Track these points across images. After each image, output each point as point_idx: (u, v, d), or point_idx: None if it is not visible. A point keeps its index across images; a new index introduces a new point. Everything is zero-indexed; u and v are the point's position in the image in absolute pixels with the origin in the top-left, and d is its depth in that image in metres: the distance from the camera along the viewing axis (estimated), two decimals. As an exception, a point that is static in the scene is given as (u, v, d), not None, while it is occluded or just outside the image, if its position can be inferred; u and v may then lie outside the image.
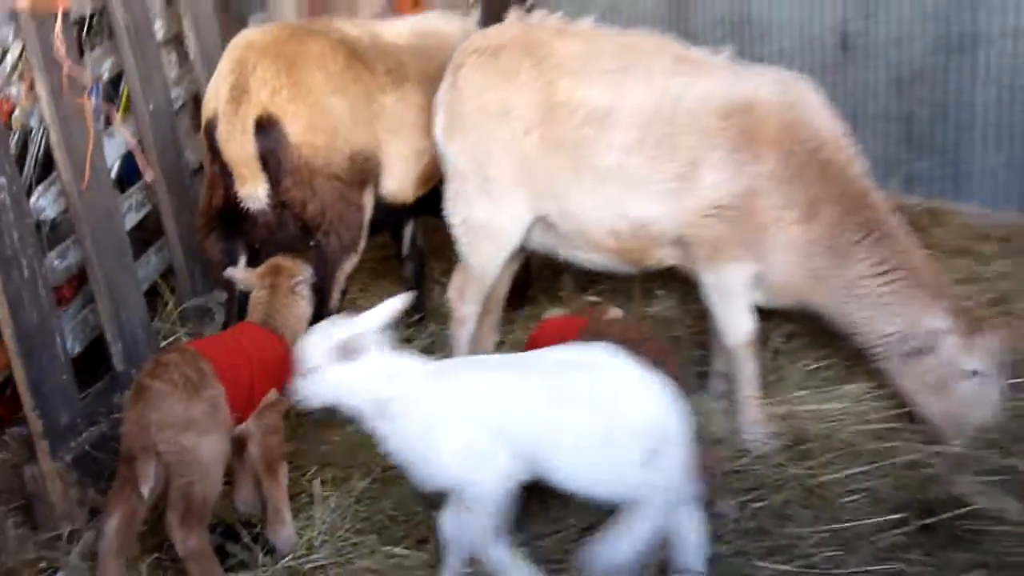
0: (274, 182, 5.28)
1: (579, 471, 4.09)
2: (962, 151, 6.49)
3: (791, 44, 7.02)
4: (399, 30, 5.89)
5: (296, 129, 5.23)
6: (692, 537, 4.22)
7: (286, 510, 4.68)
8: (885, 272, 4.97)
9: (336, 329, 4.25)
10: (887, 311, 4.97)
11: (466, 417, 4.16)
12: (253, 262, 5.42)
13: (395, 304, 4.32)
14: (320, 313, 5.47)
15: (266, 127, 5.21)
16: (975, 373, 4.88)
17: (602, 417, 4.03)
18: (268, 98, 5.21)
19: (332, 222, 5.35)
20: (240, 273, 5.11)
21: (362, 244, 5.54)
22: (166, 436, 4.18)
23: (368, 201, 5.53)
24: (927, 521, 4.47)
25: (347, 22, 5.92)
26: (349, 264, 5.53)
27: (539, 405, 4.10)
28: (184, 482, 4.22)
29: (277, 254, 5.14)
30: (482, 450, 4.12)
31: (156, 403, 4.19)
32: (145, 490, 4.20)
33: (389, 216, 5.86)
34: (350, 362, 4.18)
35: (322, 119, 5.27)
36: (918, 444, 4.91)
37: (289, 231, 5.43)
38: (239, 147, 5.24)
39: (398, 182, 5.70)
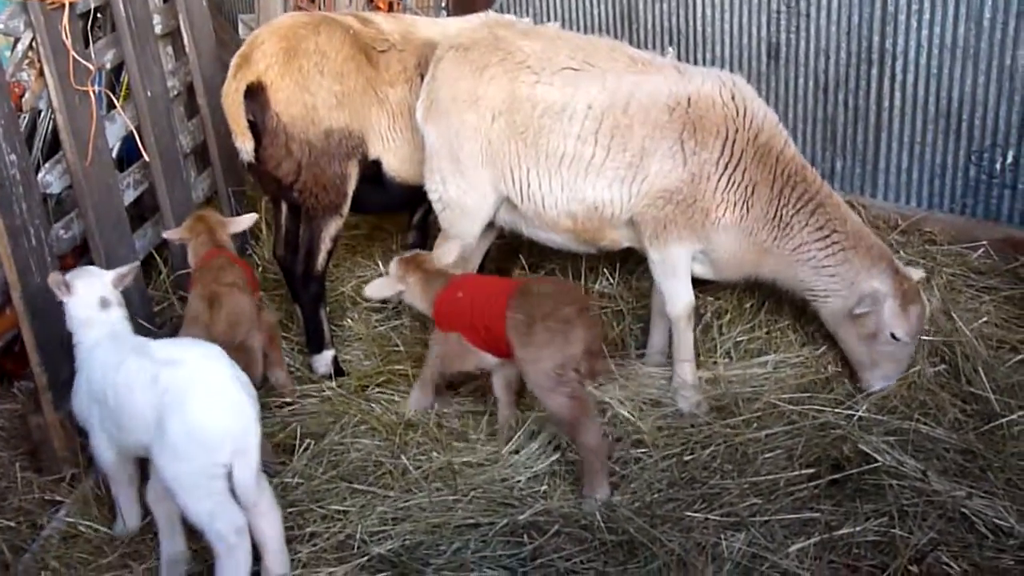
0: (258, 141, 5.53)
1: (166, 469, 4.04)
2: (876, 152, 6.59)
3: (727, 52, 7.09)
4: (443, 29, 5.89)
5: (278, 98, 5.47)
6: (272, 544, 4.17)
7: None
8: (825, 237, 5.06)
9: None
10: (828, 271, 5.07)
11: (85, 381, 4.41)
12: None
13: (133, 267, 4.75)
14: (309, 271, 5.73)
15: (255, 92, 5.47)
16: (895, 338, 5.00)
17: (172, 421, 3.98)
18: (263, 69, 5.47)
19: (306, 183, 5.58)
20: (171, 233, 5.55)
21: (344, 209, 5.68)
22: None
23: (351, 171, 5.65)
24: (836, 476, 4.56)
25: (388, 17, 6.07)
26: (333, 226, 5.70)
27: (135, 392, 4.13)
28: None
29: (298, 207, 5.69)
30: (90, 413, 4.39)
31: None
32: None
33: (405, 193, 5.91)
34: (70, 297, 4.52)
35: (303, 95, 5.48)
36: (830, 408, 4.99)
37: (272, 185, 5.72)
38: (232, 104, 5.49)
39: (401, 162, 5.79)
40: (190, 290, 5.24)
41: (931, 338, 5.28)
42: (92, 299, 4.55)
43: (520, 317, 4.63)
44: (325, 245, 5.72)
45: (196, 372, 4.07)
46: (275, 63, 5.48)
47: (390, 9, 8.17)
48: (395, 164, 5.78)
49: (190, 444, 3.95)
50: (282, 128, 5.50)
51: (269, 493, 4.19)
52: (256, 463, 4.01)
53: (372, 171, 5.75)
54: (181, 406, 3.97)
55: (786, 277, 5.22)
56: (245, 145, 5.51)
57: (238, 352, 4.75)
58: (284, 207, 5.91)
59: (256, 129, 5.52)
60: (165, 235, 5.69)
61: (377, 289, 5.33)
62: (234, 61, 5.61)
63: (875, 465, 4.54)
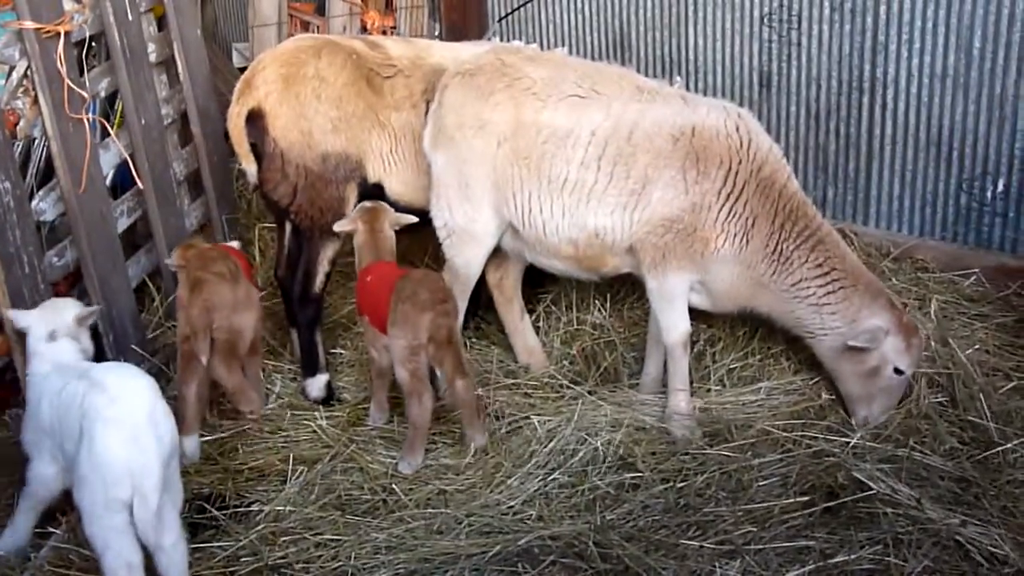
0: (259, 164, 5.70)
1: (75, 492, 4.11)
2: (867, 180, 6.62)
3: (719, 81, 7.12)
4: (454, 55, 5.87)
5: (276, 124, 5.59)
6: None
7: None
8: (825, 274, 5.06)
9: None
10: (828, 309, 5.06)
11: (33, 413, 4.49)
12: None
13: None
14: (306, 292, 5.80)
15: (255, 117, 5.61)
16: (900, 372, 5.01)
17: (82, 446, 4.02)
18: (262, 95, 5.60)
19: (302, 205, 5.67)
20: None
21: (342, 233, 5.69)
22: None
23: (349, 195, 5.70)
24: (831, 503, 4.54)
25: (400, 42, 6.11)
26: (331, 248, 5.76)
27: (70, 413, 4.16)
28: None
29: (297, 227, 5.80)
30: (37, 440, 4.47)
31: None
32: (204, 359, 5.12)
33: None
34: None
35: (299, 120, 5.58)
36: (823, 436, 4.99)
37: (274, 207, 5.84)
38: (235, 129, 5.69)
39: (404, 186, 5.80)
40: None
41: (927, 369, 5.27)
42: (41, 332, 4.62)
43: (393, 300, 5.05)
44: (323, 267, 5.78)
45: (112, 402, 4.03)
46: (274, 89, 5.58)
47: (383, 34, 8.21)
48: (398, 188, 5.80)
49: (92, 473, 3.97)
50: (279, 153, 5.61)
51: (175, 531, 4.14)
52: (154, 504, 3.95)
53: (375, 195, 5.76)
54: (91, 434, 3.99)
55: (782, 313, 5.21)
56: (248, 168, 5.72)
57: (222, 333, 5.19)
58: (288, 228, 5.96)
59: (258, 153, 5.67)
60: (167, 262, 5.73)
61: (339, 224, 5.53)
62: (238, 86, 5.75)
63: (869, 493, 4.52)
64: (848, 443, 4.88)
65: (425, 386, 5.03)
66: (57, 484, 4.48)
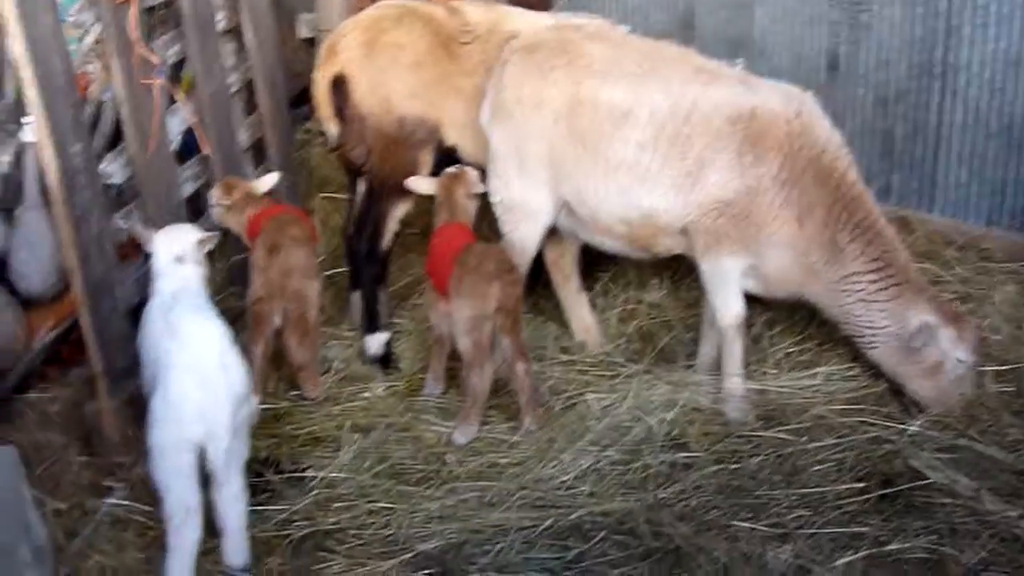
0: (342, 127, 5.87)
1: (147, 430, 4.31)
2: (934, 166, 6.52)
3: (785, 63, 7.04)
4: (534, 22, 5.92)
5: (357, 89, 5.77)
6: (231, 533, 4.34)
7: None
8: (877, 270, 4.99)
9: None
10: (878, 306, 5.00)
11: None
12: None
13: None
14: (374, 249, 5.94)
15: (338, 83, 5.80)
16: (961, 361, 4.94)
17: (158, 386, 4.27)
18: (345, 61, 5.80)
19: (379, 166, 5.81)
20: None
21: (412, 193, 5.80)
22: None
23: (424, 159, 5.85)
24: (887, 491, 4.53)
25: (480, 7, 6.11)
26: (401, 208, 5.92)
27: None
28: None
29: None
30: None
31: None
32: (278, 321, 5.29)
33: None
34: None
35: (379, 87, 5.75)
36: (881, 421, 4.94)
37: (349, 164, 6.00)
38: (320, 92, 5.91)
39: (475, 148, 5.82)
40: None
41: (991, 359, 5.22)
42: (167, 255, 4.84)
43: (456, 271, 5.09)
44: (392, 226, 5.93)
45: (184, 348, 4.26)
46: (355, 56, 5.78)
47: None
48: (469, 150, 5.85)
49: (166, 413, 4.19)
50: (359, 117, 5.79)
51: (239, 483, 4.34)
52: (225, 444, 4.17)
53: (450, 159, 5.87)
54: (165, 377, 4.22)
55: (830, 305, 5.15)
56: (331, 130, 5.93)
57: (292, 300, 5.30)
58: (361, 187, 6.10)
59: (341, 116, 5.86)
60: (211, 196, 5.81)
61: (417, 183, 5.62)
62: (322, 51, 5.99)
63: (926, 482, 4.50)
64: (906, 431, 4.83)
65: (487, 356, 5.04)
66: None
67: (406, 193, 5.76)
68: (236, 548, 4.37)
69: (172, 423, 4.17)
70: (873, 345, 5.09)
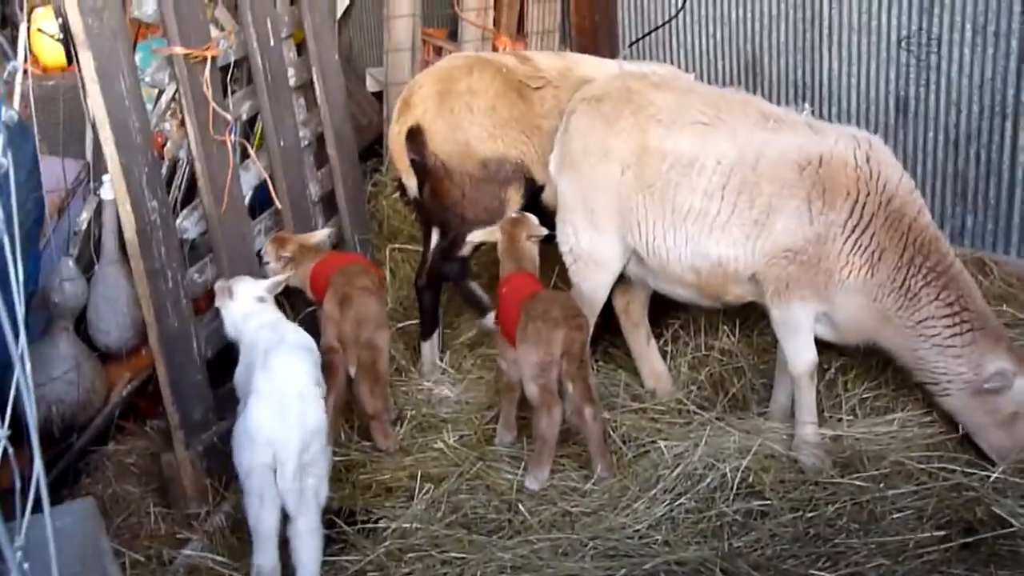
0: (420, 178, 6.03)
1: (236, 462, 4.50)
2: (1009, 207, 6.42)
3: (853, 107, 7.01)
4: (604, 69, 6.09)
5: (434, 139, 5.94)
6: (303, 570, 4.40)
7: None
8: (953, 315, 4.89)
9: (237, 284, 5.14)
10: (953, 352, 4.89)
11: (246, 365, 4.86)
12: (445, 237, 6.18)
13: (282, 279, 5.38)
14: (450, 253, 6.18)
15: (414, 135, 5.96)
16: None
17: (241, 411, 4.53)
18: (420, 113, 5.96)
19: (471, 204, 5.96)
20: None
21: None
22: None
23: (512, 195, 5.98)
24: (969, 539, 4.40)
25: (550, 55, 6.43)
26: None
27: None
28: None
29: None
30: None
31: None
32: (352, 372, 5.37)
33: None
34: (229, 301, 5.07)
35: (455, 132, 5.90)
36: (961, 468, 4.83)
37: (440, 213, 6.12)
38: (396, 145, 6.08)
39: (553, 191, 5.89)
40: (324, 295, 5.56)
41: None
42: (249, 298, 5.08)
43: (523, 318, 5.09)
44: (467, 249, 6.08)
45: (268, 379, 4.48)
46: (430, 106, 5.94)
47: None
48: (549, 192, 5.91)
49: (242, 437, 4.41)
50: (441, 164, 5.95)
51: (314, 517, 4.43)
52: (290, 472, 4.29)
53: (531, 198, 6.01)
54: (247, 403, 4.48)
55: (904, 351, 5.05)
56: (409, 182, 6.09)
57: (364, 349, 5.36)
58: (435, 238, 6.23)
59: (419, 167, 6.00)
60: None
61: (476, 235, 5.75)
62: (397, 105, 6.14)
63: (1011, 530, 4.36)
64: (988, 477, 4.70)
65: (555, 399, 5.03)
66: None
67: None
68: None
69: (247, 446, 4.37)
70: (947, 392, 4.98)
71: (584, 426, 5.08)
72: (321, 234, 6.02)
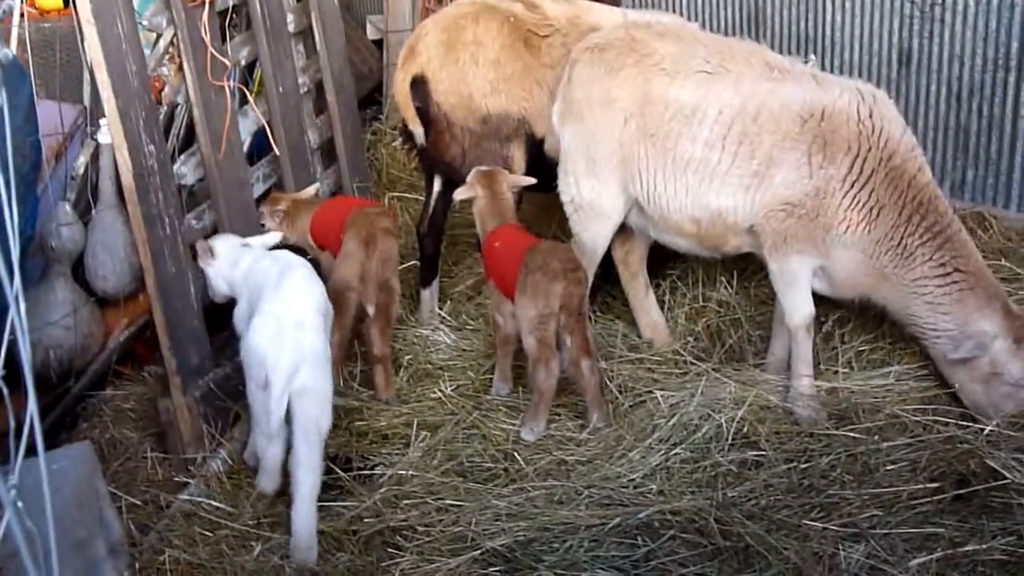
0: (426, 127, 5.97)
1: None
2: (1010, 162, 6.38)
3: (856, 58, 6.94)
4: (612, 17, 6.02)
5: (438, 88, 5.91)
6: (300, 502, 4.46)
7: None
8: (945, 275, 4.88)
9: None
10: (942, 309, 4.89)
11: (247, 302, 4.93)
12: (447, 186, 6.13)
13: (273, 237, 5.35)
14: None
15: (418, 84, 5.93)
16: (1013, 376, 4.80)
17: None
18: (425, 61, 5.92)
19: (473, 162, 5.86)
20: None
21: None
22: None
23: (515, 152, 5.97)
24: (962, 491, 4.42)
25: (560, 1, 6.19)
26: None
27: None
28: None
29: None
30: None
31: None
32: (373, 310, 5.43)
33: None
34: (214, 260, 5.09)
35: (459, 84, 5.86)
36: (955, 421, 4.84)
37: (442, 165, 6.11)
38: (401, 94, 6.02)
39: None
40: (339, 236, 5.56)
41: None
42: (233, 250, 5.10)
43: (522, 270, 5.06)
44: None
45: (274, 300, 4.62)
46: (435, 55, 5.90)
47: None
48: (554, 144, 5.85)
49: (244, 353, 4.61)
50: (443, 116, 5.93)
51: (315, 451, 4.52)
52: (276, 394, 4.42)
53: (534, 153, 5.98)
54: (251, 320, 4.61)
55: (897, 307, 5.06)
56: (416, 130, 5.99)
57: (382, 290, 5.41)
58: (436, 186, 6.23)
59: (423, 115, 5.95)
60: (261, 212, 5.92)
61: (460, 192, 5.57)
62: (402, 52, 6.09)
63: (1004, 482, 4.37)
64: (982, 430, 4.71)
65: (553, 353, 5.02)
66: None
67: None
68: (300, 518, 4.46)
69: (248, 364, 4.57)
70: (934, 345, 4.99)
71: (581, 378, 5.08)
72: (311, 190, 6.00)
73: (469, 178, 5.54)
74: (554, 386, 5.08)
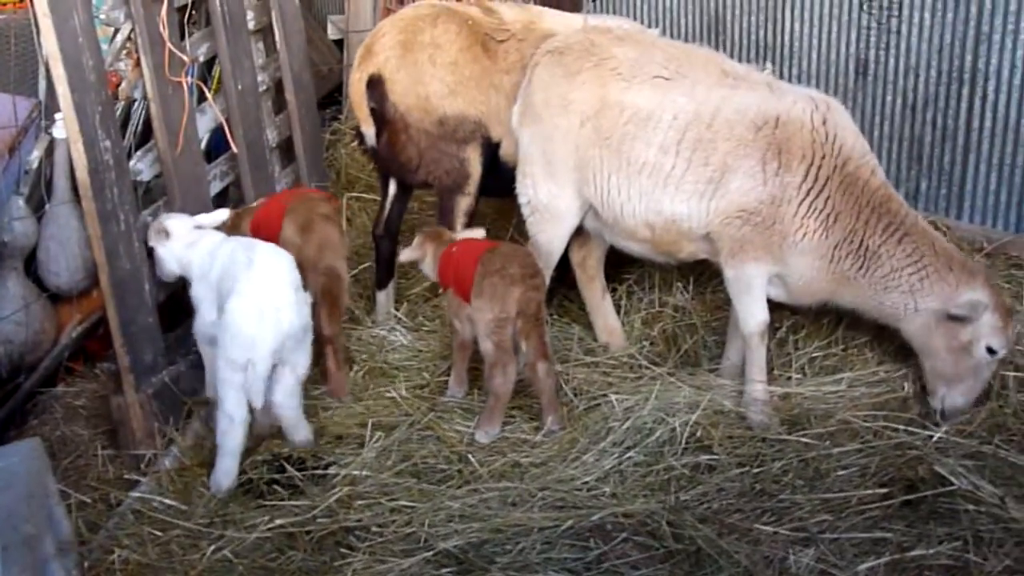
0: (379, 127, 5.92)
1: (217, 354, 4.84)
2: (963, 173, 6.47)
3: (814, 68, 7.01)
4: (567, 23, 6.02)
5: (395, 89, 5.86)
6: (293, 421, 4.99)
7: None
8: (917, 261, 4.94)
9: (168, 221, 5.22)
10: (922, 293, 4.94)
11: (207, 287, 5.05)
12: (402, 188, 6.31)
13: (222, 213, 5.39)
14: None
15: (375, 83, 5.88)
16: (992, 352, 4.89)
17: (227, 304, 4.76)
18: (382, 61, 5.88)
19: (428, 164, 5.92)
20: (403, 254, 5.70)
21: (469, 188, 5.98)
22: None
23: (472, 155, 5.94)
24: (910, 497, 4.47)
25: (515, 7, 6.26)
26: (464, 202, 6.02)
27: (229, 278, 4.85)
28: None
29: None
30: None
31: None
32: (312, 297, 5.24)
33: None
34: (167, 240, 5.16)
35: (416, 86, 5.82)
36: (905, 427, 4.90)
37: (396, 167, 6.10)
38: (356, 93, 5.97)
39: (514, 147, 5.85)
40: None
41: (1018, 365, 5.15)
42: (187, 230, 5.17)
43: (479, 272, 5.08)
44: (460, 220, 6.01)
45: (251, 280, 4.75)
46: (392, 56, 5.89)
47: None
48: (509, 148, 5.88)
49: (223, 334, 4.73)
50: (400, 117, 5.89)
51: (290, 388, 4.95)
52: (261, 372, 4.69)
53: (490, 156, 5.97)
54: (228, 302, 4.74)
55: (869, 306, 5.11)
56: (368, 131, 5.97)
57: (324, 275, 5.40)
58: (392, 188, 6.26)
59: (378, 116, 5.91)
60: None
61: (405, 255, 5.60)
62: (359, 52, 6.04)
63: (951, 488, 4.43)
64: (931, 437, 4.78)
65: (510, 357, 5.04)
66: None
67: (462, 190, 5.91)
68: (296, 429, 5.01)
69: (226, 344, 4.71)
70: (912, 320, 5.01)
71: (537, 381, 5.09)
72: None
73: (416, 240, 5.55)
74: (510, 390, 5.09)
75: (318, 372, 5.51)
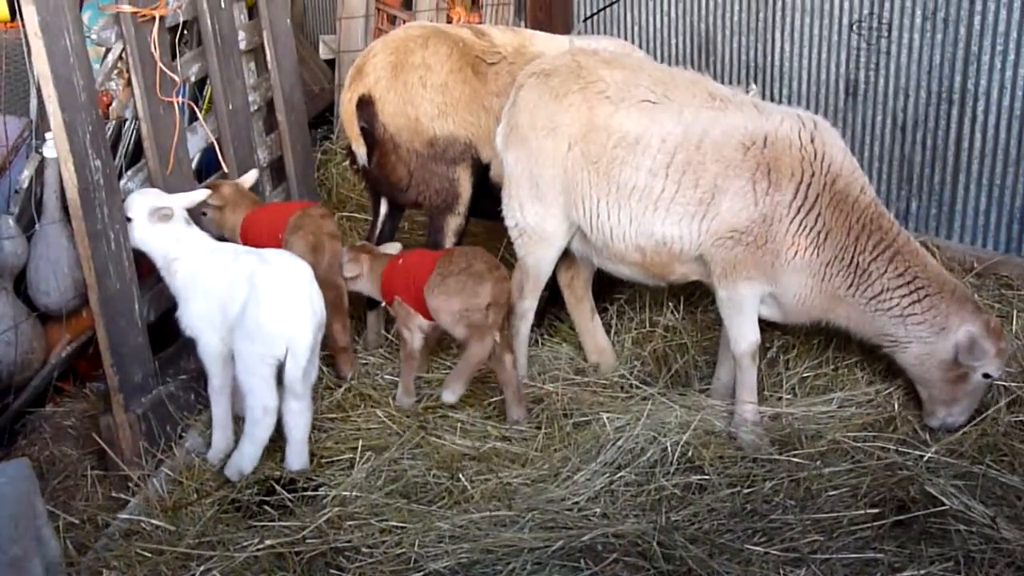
0: (370, 147, 5.97)
1: (235, 344, 4.98)
2: (953, 193, 6.50)
3: (804, 89, 7.06)
4: (559, 46, 6.08)
5: (385, 110, 5.90)
6: (294, 441, 5.02)
7: None
8: (907, 283, 4.97)
9: (155, 197, 5.23)
10: (914, 319, 4.97)
11: (204, 288, 5.10)
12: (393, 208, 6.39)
13: (201, 193, 5.47)
14: None
15: (365, 104, 5.91)
16: (987, 376, 4.94)
17: (250, 309, 4.89)
18: (372, 82, 5.92)
19: (418, 184, 5.97)
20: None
21: (459, 208, 6.04)
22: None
23: (462, 175, 5.99)
24: (901, 517, 4.47)
25: (506, 30, 6.33)
26: (454, 222, 6.07)
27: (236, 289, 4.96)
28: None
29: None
30: (207, 315, 5.08)
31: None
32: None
33: None
34: (157, 224, 5.16)
35: (407, 107, 5.87)
36: (896, 448, 4.91)
37: (387, 187, 6.16)
38: (346, 113, 6.00)
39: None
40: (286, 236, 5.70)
41: (1010, 384, 5.18)
42: (148, 212, 5.17)
43: (437, 274, 5.29)
44: (448, 240, 6.06)
45: (277, 279, 4.92)
46: (383, 76, 5.90)
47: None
48: (496, 167, 5.91)
49: (257, 331, 4.86)
50: (390, 137, 5.93)
51: (308, 400, 5.04)
52: (303, 362, 4.87)
53: (480, 177, 6.02)
54: (258, 300, 4.86)
55: (862, 325, 5.12)
56: (358, 150, 6.01)
57: (331, 289, 5.51)
58: (383, 208, 6.32)
59: (368, 136, 5.96)
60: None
61: (348, 270, 5.69)
62: (350, 72, 6.08)
63: (942, 508, 4.44)
64: (922, 457, 4.80)
65: (487, 330, 5.21)
66: (227, 365, 5.14)
67: (453, 209, 5.97)
68: (297, 454, 5.04)
69: (260, 340, 4.85)
70: (905, 350, 5.06)
71: (503, 371, 5.30)
72: (251, 177, 6.03)
73: (350, 256, 5.67)
74: (485, 357, 5.26)
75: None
